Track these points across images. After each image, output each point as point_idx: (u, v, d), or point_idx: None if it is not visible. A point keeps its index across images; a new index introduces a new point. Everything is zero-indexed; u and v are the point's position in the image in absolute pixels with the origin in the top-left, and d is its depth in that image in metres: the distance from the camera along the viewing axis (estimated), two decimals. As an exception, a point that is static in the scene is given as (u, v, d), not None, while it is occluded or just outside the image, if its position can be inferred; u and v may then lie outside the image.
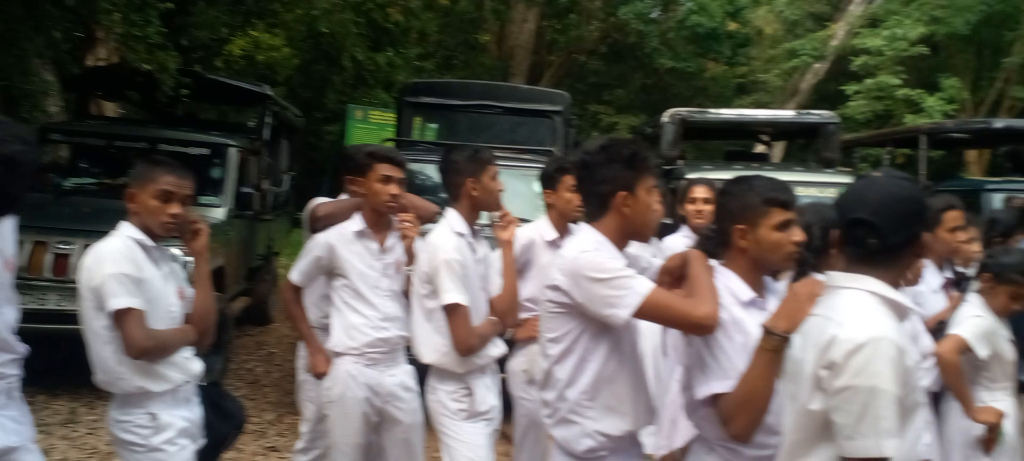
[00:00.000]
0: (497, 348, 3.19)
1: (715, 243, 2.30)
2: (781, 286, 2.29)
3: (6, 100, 7.23)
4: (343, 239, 3.26)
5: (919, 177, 8.14)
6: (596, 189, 2.27)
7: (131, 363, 2.57)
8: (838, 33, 17.51)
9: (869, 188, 1.87)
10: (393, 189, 3.26)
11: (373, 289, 3.25)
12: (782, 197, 2.16)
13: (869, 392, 1.68)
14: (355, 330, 3.23)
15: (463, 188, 3.13)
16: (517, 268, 3.45)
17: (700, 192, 4.53)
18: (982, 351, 3.14)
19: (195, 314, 2.78)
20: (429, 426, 3.27)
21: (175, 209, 2.66)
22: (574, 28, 17.30)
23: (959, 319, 3.22)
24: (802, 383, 1.83)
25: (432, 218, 3.24)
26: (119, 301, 2.51)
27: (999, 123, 9.45)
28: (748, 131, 10.14)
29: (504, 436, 4.10)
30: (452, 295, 2.96)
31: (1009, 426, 3.21)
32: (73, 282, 2.91)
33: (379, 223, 3.30)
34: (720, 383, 2.08)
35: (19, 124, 2.55)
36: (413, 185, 5.58)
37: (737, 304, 2.16)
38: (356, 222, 3.29)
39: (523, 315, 3.46)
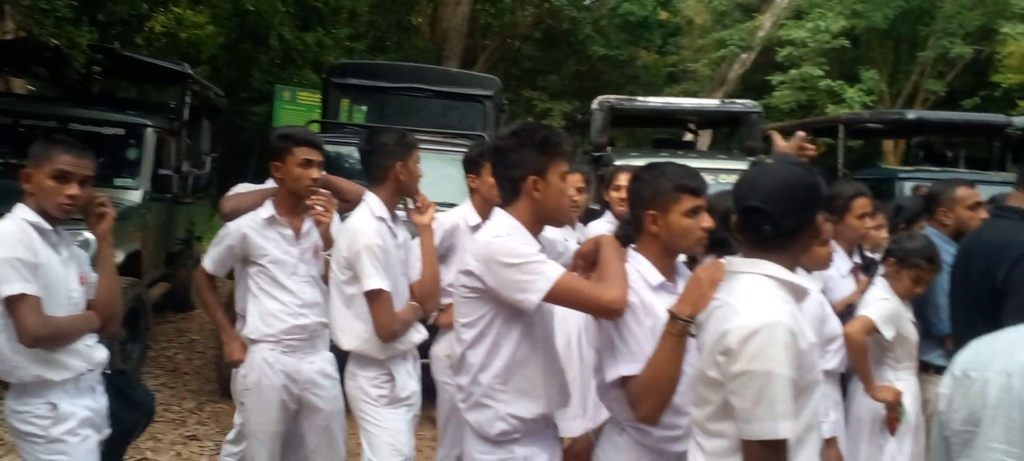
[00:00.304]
0: (419, 333, 3.17)
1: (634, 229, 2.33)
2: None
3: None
4: (255, 226, 3.18)
5: (838, 165, 8.43)
6: (508, 174, 2.27)
7: (27, 351, 2.46)
8: (764, 24, 17.97)
9: (761, 176, 1.92)
10: (314, 173, 3.20)
11: (290, 275, 3.18)
12: (692, 184, 2.19)
13: (764, 376, 1.72)
14: (272, 317, 3.16)
15: (391, 172, 3.08)
16: (441, 253, 3.43)
17: (624, 179, 4.57)
18: (888, 332, 3.27)
19: (98, 300, 2.68)
20: (349, 413, 3.23)
21: (73, 190, 2.55)
22: (508, 13, 17.27)
23: (867, 302, 3.35)
24: (706, 365, 1.88)
25: (359, 201, 3.17)
26: (11, 287, 2.40)
27: (912, 114, 9.87)
28: (675, 119, 10.33)
29: (431, 420, 4.09)
30: (374, 281, 2.92)
31: (909, 404, 3.35)
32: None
33: (295, 208, 3.23)
34: (629, 366, 2.10)
35: None
36: (342, 168, 5.50)
37: (647, 288, 2.19)
38: (266, 209, 3.21)
39: (446, 300, 3.44)
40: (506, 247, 2.15)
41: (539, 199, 2.25)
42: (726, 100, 10.91)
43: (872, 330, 3.25)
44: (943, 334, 3.44)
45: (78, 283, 2.64)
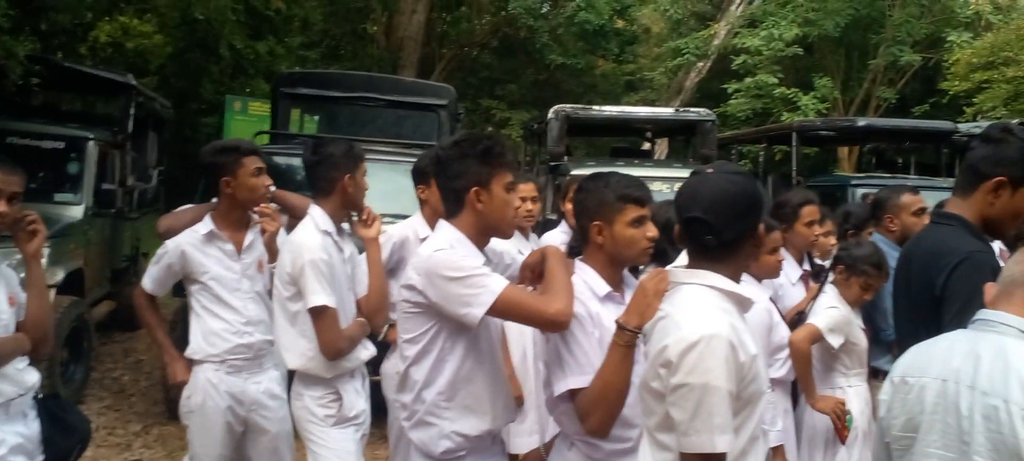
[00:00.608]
0: (367, 350, 3.10)
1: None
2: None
3: None
4: (195, 242, 3.10)
5: (792, 172, 8.57)
6: (451, 185, 2.23)
7: (-49, 377, 2.34)
8: (719, 33, 18.20)
9: (702, 186, 1.91)
10: (268, 180, 3.15)
11: (233, 292, 3.11)
12: (636, 194, 2.18)
13: (702, 389, 1.71)
14: (215, 336, 3.08)
15: (339, 184, 3.00)
16: (390, 266, 3.37)
17: (579, 189, 4.55)
18: (835, 341, 3.28)
19: (28, 322, 2.57)
20: (297, 433, 3.15)
21: (0, 208, 2.44)
22: (465, 21, 17.24)
23: (815, 310, 3.36)
24: (650, 376, 1.85)
25: (305, 213, 3.09)
26: None
27: (862, 121, 10.08)
28: (632, 128, 10.40)
29: (384, 439, 4.01)
30: (319, 297, 2.84)
31: (860, 409, 3.37)
32: None
33: (237, 222, 3.15)
34: (577, 378, 2.08)
35: None
36: (294, 181, 5.40)
37: (594, 299, 2.17)
38: (205, 224, 3.12)
39: (396, 315, 3.37)
40: (448, 261, 2.11)
41: (482, 211, 2.22)
42: (681, 109, 11.04)
43: (818, 339, 3.26)
44: (891, 340, 3.48)
45: (7, 304, 2.53)
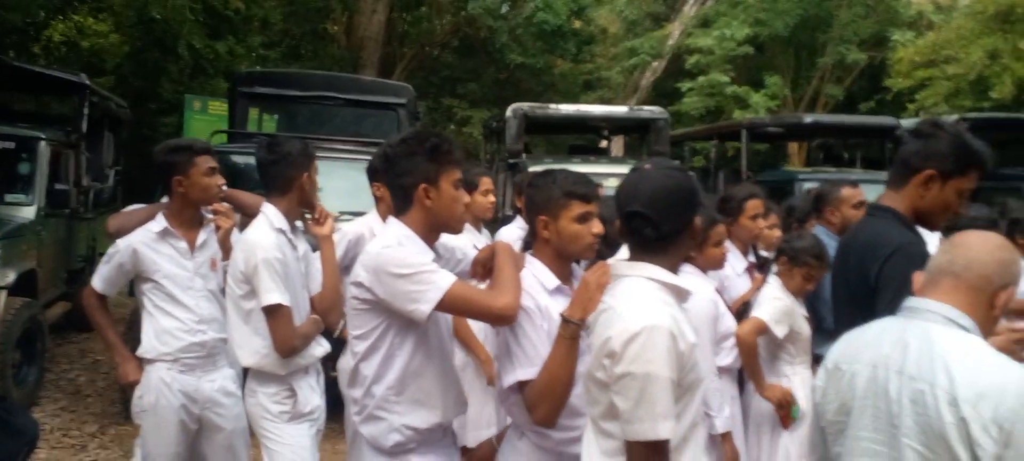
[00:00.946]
0: (321, 347, 3.13)
1: None
2: None
3: None
4: (147, 241, 3.10)
5: (742, 168, 8.75)
6: (399, 182, 2.26)
7: None
8: (674, 33, 18.42)
9: (641, 181, 1.97)
10: (220, 179, 3.16)
11: (186, 290, 3.11)
12: (581, 190, 2.24)
13: (645, 378, 1.77)
14: (168, 334, 3.08)
15: (296, 183, 3.02)
16: (346, 264, 3.38)
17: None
18: (779, 331, 3.39)
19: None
20: (252, 430, 3.16)
21: None
22: (425, 21, 17.19)
23: (759, 302, 3.47)
24: (594, 367, 1.92)
25: (258, 211, 3.10)
26: None
27: (809, 118, 10.31)
28: (588, 126, 10.53)
29: (340, 434, 4.03)
30: (272, 295, 2.86)
31: (805, 396, 3.48)
32: None
33: (191, 221, 3.15)
34: (525, 370, 2.13)
35: None
36: (252, 181, 5.36)
37: (544, 292, 2.22)
38: (158, 222, 3.12)
39: (350, 311, 3.40)
40: (396, 257, 2.14)
41: (431, 207, 2.25)
42: (635, 107, 11.20)
43: (763, 331, 3.36)
44: (833, 328, 3.59)
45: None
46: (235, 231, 3.24)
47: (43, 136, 6.35)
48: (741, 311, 3.58)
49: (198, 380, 3.12)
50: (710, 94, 16.49)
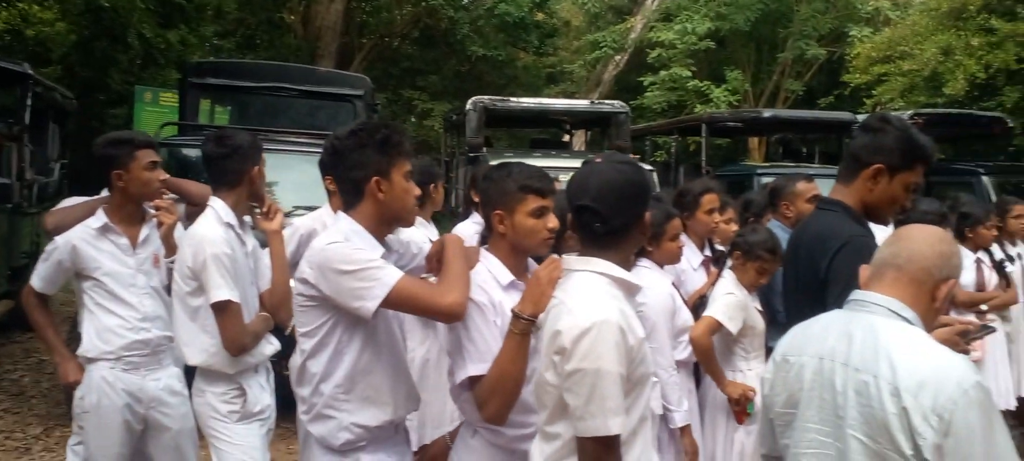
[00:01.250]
0: (271, 345, 3.06)
1: None
2: None
3: None
4: (87, 237, 3.00)
5: (702, 162, 8.82)
6: (349, 176, 2.21)
7: None
8: (636, 26, 18.54)
9: (591, 175, 1.96)
10: (161, 174, 3.07)
11: (128, 288, 3.02)
12: (536, 185, 2.21)
13: (595, 374, 1.77)
14: (110, 333, 2.99)
15: (246, 176, 2.95)
16: (296, 259, 3.28)
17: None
18: (733, 327, 3.40)
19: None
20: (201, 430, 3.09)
21: None
22: (384, 11, 17.01)
23: (712, 298, 3.48)
24: (544, 365, 1.91)
25: (206, 203, 3.01)
26: None
27: (767, 113, 10.46)
28: (550, 119, 10.52)
29: (294, 433, 3.96)
30: (221, 292, 2.79)
31: (758, 397, 3.51)
32: None
33: (131, 216, 3.06)
34: (477, 366, 2.10)
35: None
36: (203, 175, 5.24)
37: (498, 287, 2.19)
38: (98, 218, 3.03)
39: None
40: (341, 253, 2.10)
41: (383, 200, 2.20)
42: (596, 101, 11.22)
43: (716, 329, 3.37)
44: (786, 322, 3.62)
45: None
46: (179, 227, 3.15)
47: (-16, 128, 6.13)
48: (697, 305, 3.59)
49: (143, 379, 3.04)
50: (672, 88, 16.64)
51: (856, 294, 1.81)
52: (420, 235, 3.63)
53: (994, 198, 6.85)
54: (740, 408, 3.37)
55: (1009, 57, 10.58)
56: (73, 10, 11.22)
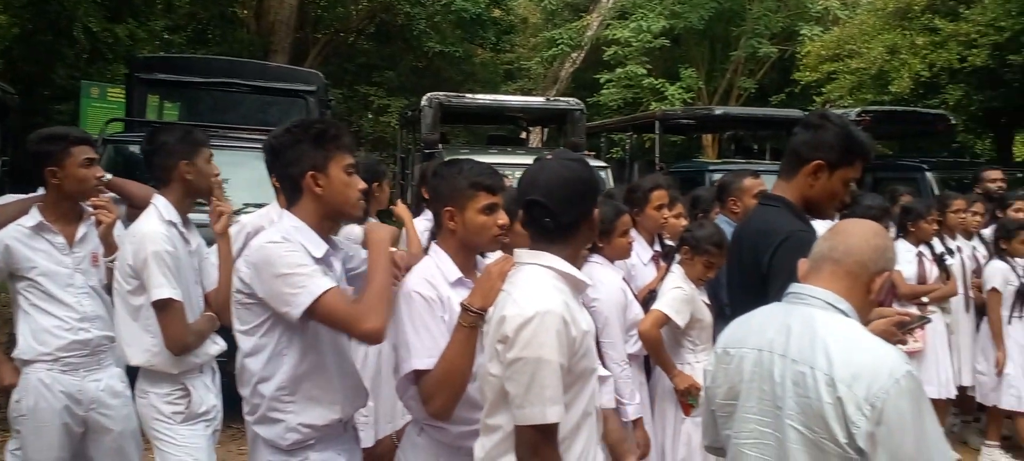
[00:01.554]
0: (216, 345, 3.02)
1: None
2: None
3: None
4: (20, 236, 2.92)
5: (655, 159, 8.91)
6: (287, 173, 2.20)
7: None
8: (592, 24, 18.66)
9: (541, 172, 1.98)
10: (99, 171, 3.00)
11: (65, 287, 2.94)
12: (487, 182, 2.22)
13: (535, 363, 1.79)
14: (47, 334, 2.91)
15: (175, 172, 2.91)
16: (246, 259, 3.27)
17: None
18: (680, 320, 3.45)
19: None
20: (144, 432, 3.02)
21: None
22: (339, 6, 16.81)
23: (660, 293, 3.52)
24: (488, 355, 1.92)
25: (148, 204, 2.95)
26: None
27: (719, 110, 10.61)
28: (506, 116, 10.53)
29: (243, 434, 3.90)
30: (163, 290, 2.74)
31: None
32: None
33: (67, 214, 2.98)
34: (422, 360, 2.09)
35: None
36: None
37: (445, 283, 2.19)
38: (33, 216, 2.95)
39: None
40: (274, 255, 2.08)
41: (322, 195, 2.18)
42: (552, 98, 11.27)
43: (664, 322, 3.42)
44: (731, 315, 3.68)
45: None
46: (119, 225, 3.08)
47: (-82, 123, 5.91)
48: (647, 299, 3.63)
49: (82, 380, 2.97)
50: (628, 86, 16.79)
51: (794, 287, 1.85)
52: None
53: (937, 193, 7.04)
54: (684, 399, 3.42)
55: (952, 56, 10.87)
56: (15, 2, 10.85)
